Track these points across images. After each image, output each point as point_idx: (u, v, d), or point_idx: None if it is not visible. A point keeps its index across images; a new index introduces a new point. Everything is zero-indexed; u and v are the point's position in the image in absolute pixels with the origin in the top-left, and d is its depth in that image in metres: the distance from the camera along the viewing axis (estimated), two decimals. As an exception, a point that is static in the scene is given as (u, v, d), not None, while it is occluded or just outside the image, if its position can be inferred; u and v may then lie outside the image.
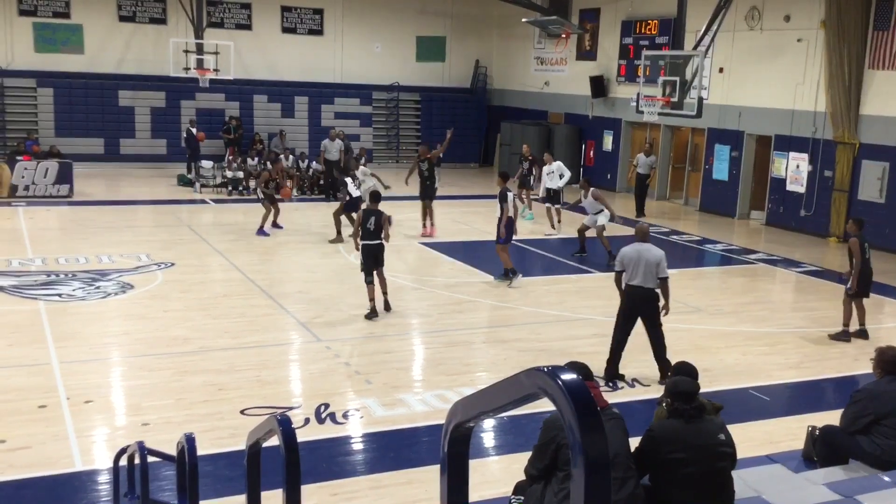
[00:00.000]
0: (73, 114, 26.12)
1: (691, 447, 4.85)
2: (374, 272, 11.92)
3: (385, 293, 12.14)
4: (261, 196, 18.02)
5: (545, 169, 19.09)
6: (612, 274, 10.31)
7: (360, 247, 11.99)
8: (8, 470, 7.15)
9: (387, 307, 12.17)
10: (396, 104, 30.42)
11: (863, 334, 11.78)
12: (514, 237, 14.73)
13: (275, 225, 17.80)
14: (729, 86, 22.06)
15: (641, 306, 9.52)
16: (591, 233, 16.23)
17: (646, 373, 10.07)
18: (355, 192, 16.43)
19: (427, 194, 18.04)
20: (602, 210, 15.91)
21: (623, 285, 9.70)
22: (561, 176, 18.76)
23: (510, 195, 14.25)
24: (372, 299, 11.91)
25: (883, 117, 18.42)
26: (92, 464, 7.41)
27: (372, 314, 11.87)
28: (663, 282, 9.48)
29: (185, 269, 14.33)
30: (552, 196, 18.78)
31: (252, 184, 22.88)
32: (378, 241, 11.85)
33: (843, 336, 11.74)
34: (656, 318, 9.58)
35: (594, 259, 16.24)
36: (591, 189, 16.09)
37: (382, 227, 11.87)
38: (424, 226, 18.10)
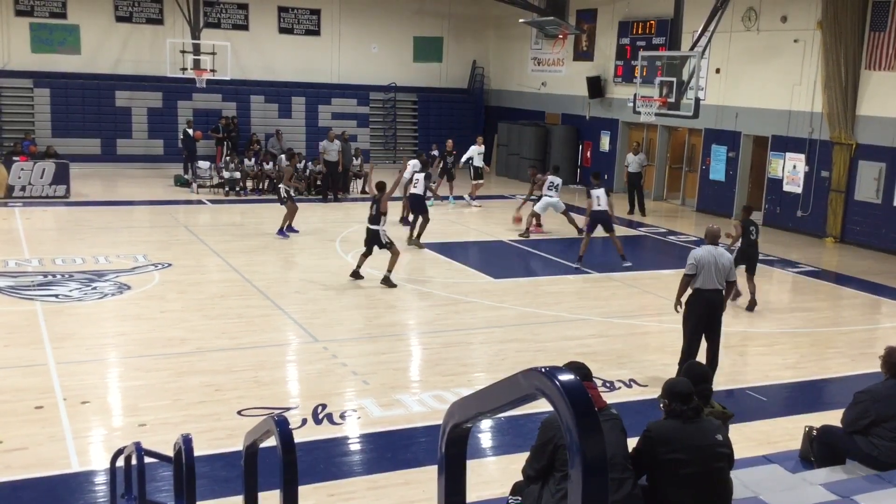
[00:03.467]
0: (69, 114, 26.10)
1: (689, 448, 4.85)
2: (374, 248, 13.56)
3: (389, 269, 13.55)
4: (284, 196, 17.39)
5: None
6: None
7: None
8: (5, 471, 7.13)
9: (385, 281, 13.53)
10: (393, 105, 30.42)
11: (751, 306, 13.13)
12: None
13: (290, 228, 17.50)
14: (726, 86, 22.08)
15: (714, 310, 9.39)
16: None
17: (644, 373, 10.08)
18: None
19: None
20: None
21: (689, 289, 9.45)
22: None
23: (594, 191, 15.58)
24: (359, 266, 13.74)
25: (879, 118, 18.45)
26: (89, 465, 7.40)
27: (355, 275, 13.71)
28: (730, 285, 9.46)
29: (182, 270, 14.32)
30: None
31: (248, 183, 22.88)
32: (375, 228, 13.38)
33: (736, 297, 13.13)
34: (720, 321, 9.53)
35: (592, 259, 16.27)
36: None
37: (382, 213, 13.36)
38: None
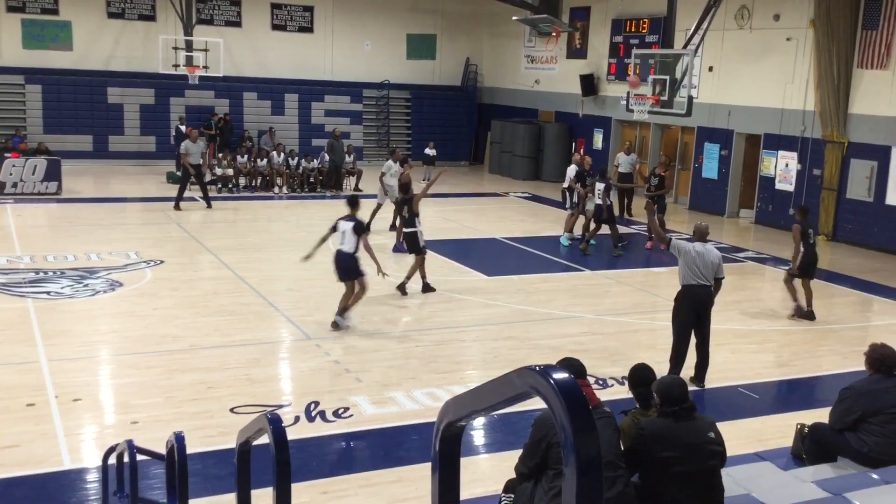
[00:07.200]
0: (61, 111, 26.01)
1: (682, 446, 4.86)
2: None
3: (423, 276, 13.16)
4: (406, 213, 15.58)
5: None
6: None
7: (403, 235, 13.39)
8: (-4, 468, 7.12)
9: (401, 288, 13.03)
10: (387, 102, 30.39)
11: (810, 316, 12.60)
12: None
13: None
14: (718, 84, 22.12)
15: (701, 305, 9.42)
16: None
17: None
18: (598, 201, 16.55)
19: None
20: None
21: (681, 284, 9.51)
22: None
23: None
24: (422, 276, 13.15)
25: (871, 116, 18.50)
26: (81, 462, 7.38)
27: (402, 288, 13.05)
28: (719, 282, 9.49)
29: (175, 267, 14.28)
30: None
31: (240, 180, 22.77)
32: (413, 230, 13.05)
33: (799, 311, 12.64)
34: (710, 317, 9.55)
35: (582, 257, 16.33)
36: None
37: (415, 213, 13.03)
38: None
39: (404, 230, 13.33)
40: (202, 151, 20.43)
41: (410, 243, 13.21)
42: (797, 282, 12.76)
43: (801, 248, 12.49)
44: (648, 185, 18.73)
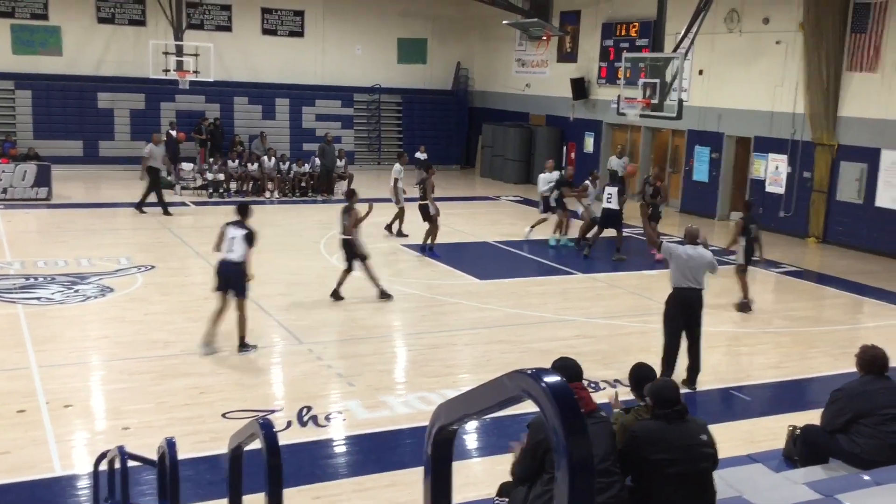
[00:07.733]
0: (51, 116, 25.94)
1: (674, 448, 4.87)
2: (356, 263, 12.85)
3: (376, 284, 12.92)
4: (435, 211, 16.20)
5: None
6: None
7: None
8: (-14, 476, 7.08)
9: (381, 295, 12.90)
10: (378, 106, 30.40)
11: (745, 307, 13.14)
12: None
13: (430, 248, 16.37)
14: (709, 88, 22.19)
15: (690, 308, 9.45)
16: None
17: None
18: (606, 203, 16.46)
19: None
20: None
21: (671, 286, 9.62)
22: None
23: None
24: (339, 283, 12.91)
25: (861, 119, 18.58)
26: (72, 468, 7.35)
27: (383, 295, 12.91)
28: (713, 270, 9.61)
29: (166, 272, 14.24)
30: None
31: (231, 184, 22.71)
32: (349, 238, 12.70)
33: (746, 307, 13.10)
34: (700, 319, 9.57)
35: (576, 260, 16.33)
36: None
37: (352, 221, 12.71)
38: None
39: (341, 237, 12.87)
40: (163, 155, 20.21)
41: (347, 250, 12.75)
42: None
43: (743, 242, 12.96)
44: (643, 193, 18.62)
